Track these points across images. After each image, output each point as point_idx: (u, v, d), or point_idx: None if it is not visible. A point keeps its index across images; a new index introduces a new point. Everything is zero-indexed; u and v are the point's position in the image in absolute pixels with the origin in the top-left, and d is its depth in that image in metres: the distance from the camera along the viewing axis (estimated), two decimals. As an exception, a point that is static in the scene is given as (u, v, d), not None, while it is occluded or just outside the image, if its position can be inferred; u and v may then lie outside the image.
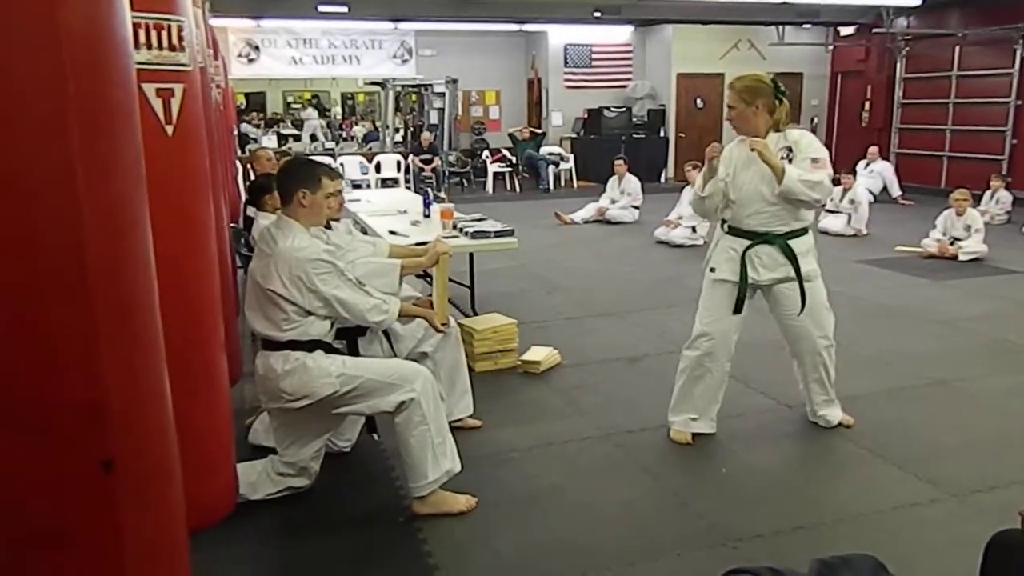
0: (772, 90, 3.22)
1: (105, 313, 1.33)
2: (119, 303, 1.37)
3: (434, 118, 13.50)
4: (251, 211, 4.60)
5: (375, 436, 3.28)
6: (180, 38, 2.37)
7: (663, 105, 14.10)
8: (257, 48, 13.45)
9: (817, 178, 3.15)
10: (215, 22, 8.14)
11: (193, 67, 2.52)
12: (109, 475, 1.33)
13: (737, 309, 3.33)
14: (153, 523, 1.48)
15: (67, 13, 1.22)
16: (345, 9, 11.21)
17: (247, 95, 16.69)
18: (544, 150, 13.60)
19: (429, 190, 7.59)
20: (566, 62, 14.39)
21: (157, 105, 2.34)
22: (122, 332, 1.38)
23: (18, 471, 1.29)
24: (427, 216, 5.66)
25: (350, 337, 3.01)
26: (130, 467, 1.38)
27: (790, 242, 3.27)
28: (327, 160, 5.36)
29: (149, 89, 2.30)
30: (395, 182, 12.42)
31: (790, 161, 3.17)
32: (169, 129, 2.39)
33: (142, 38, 2.25)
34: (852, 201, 8.77)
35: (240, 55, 13.34)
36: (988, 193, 9.60)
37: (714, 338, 3.35)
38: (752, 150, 3.13)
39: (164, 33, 2.31)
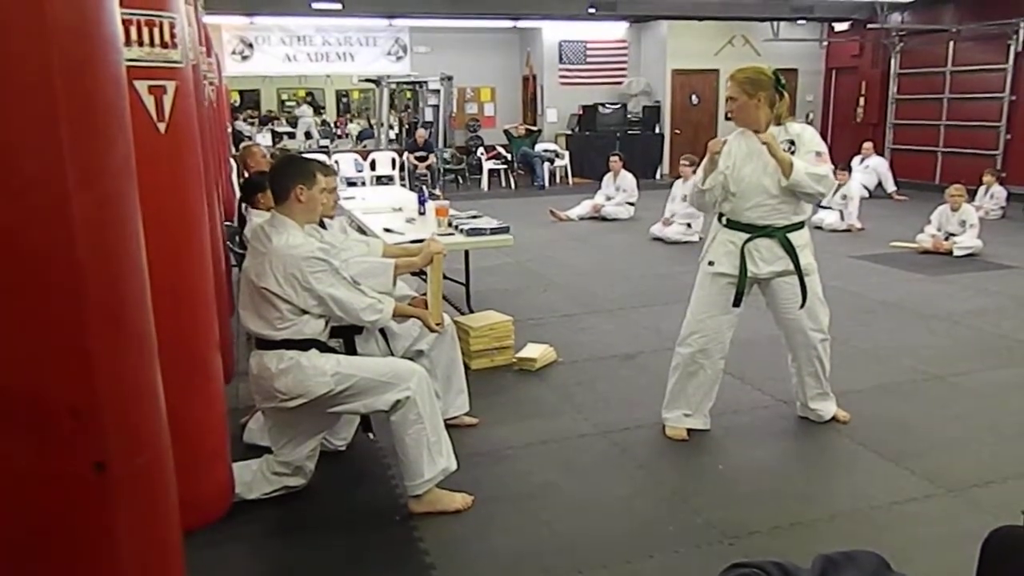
0: (773, 83, 3.21)
1: (97, 313, 1.31)
2: (111, 303, 1.36)
3: (429, 115, 13.47)
4: (245, 209, 4.57)
5: (370, 435, 3.26)
6: (172, 35, 2.36)
7: (658, 101, 14.09)
8: (251, 45, 13.39)
9: (823, 172, 3.17)
10: (209, 19, 8.10)
11: (185, 64, 2.51)
12: (101, 477, 1.32)
13: (736, 303, 3.33)
14: (147, 525, 1.47)
15: (55, 8, 1.21)
16: (339, 6, 11.17)
17: (241, 92, 16.65)
18: (539, 147, 13.58)
19: (424, 187, 7.59)
20: (561, 59, 14.36)
21: (149, 102, 2.33)
22: (114, 332, 1.36)
23: (9, 473, 1.27)
24: (422, 213, 5.66)
25: (347, 335, 2.99)
26: (123, 469, 1.36)
27: (789, 235, 3.27)
28: (322, 157, 5.35)
29: (141, 86, 2.29)
30: (390, 179, 12.39)
31: (793, 154, 3.17)
32: (161, 127, 2.37)
33: (134, 35, 2.23)
34: (844, 197, 8.78)
35: (234, 52, 13.27)
36: (983, 188, 9.62)
37: (706, 335, 3.35)
38: (763, 143, 3.13)
39: (156, 30, 2.29)
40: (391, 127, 14.21)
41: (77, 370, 1.30)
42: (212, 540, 2.61)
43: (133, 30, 2.23)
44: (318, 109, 17.70)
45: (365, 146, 13.99)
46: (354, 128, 16.37)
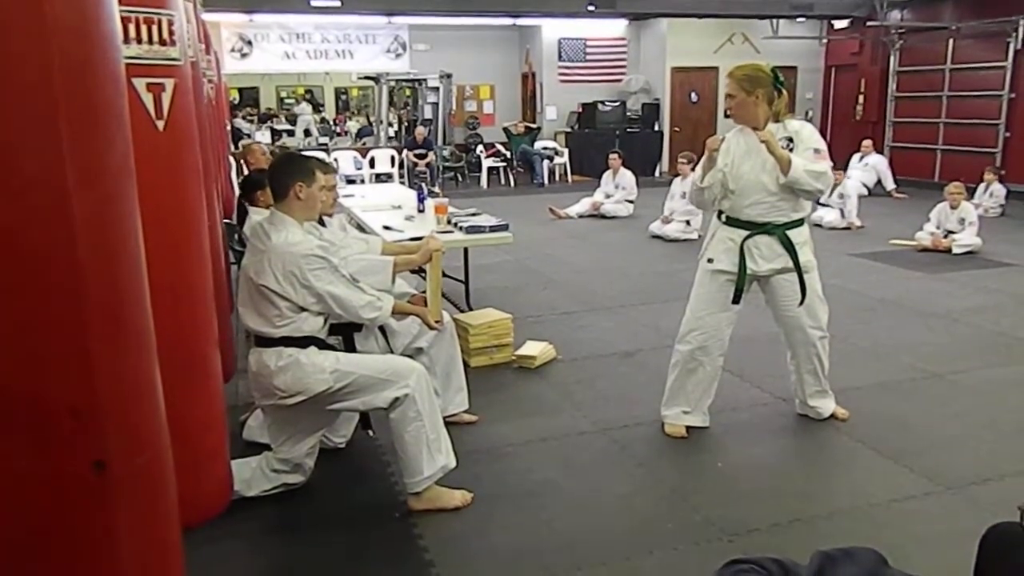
0: (772, 80, 3.21)
1: (96, 311, 1.31)
2: (110, 301, 1.36)
3: (428, 113, 13.46)
4: (244, 206, 4.57)
5: (370, 432, 3.27)
6: (171, 32, 2.35)
7: (657, 99, 14.08)
8: (250, 43, 13.37)
9: (821, 168, 3.18)
10: (207, 16, 8.08)
11: (184, 62, 2.50)
12: (101, 476, 1.32)
13: (735, 300, 3.33)
14: (147, 524, 1.47)
15: (55, 7, 1.21)
16: (338, 3, 11.16)
17: (240, 90, 16.64)
18: (538, 144, 13.57)
19: (423, 185, 7.59)
20: (560, 56, 14.35)
21: (148, 100, 2.32)
22: (114, 332, 1.36)
23: (9, 473, 1.27)
24: (421, 211, 5.66)
25: (346, 333, 3.00)
26: (123, 468, 1.36)
27: (788, 232, 3.27)
28: (321, 155, 5.32)
29: (140, 84, 2.28)
30: (389, 177, 12.39)
31: (791, 151, 3.18)
32: (160, 124, 2.37)
33: (132, 32, 2.23)
34: (842, 196, 8.79)
35: (233, 50, 13.26)
36: (982, 186, 9.62)
37: (706, 332, 3.36)
38: (762, 141, 3.13)
39: (154, 27, 2.29)
40: (390, 125, 14.20)
41: (77, 370, 1.30)
42: (211, 537, 2.61)
43: (131, 27, 2.23)
44: (317, 107, 17.69)
45: (364, 144, 13.99)
46: (353, 126, 16.37)
